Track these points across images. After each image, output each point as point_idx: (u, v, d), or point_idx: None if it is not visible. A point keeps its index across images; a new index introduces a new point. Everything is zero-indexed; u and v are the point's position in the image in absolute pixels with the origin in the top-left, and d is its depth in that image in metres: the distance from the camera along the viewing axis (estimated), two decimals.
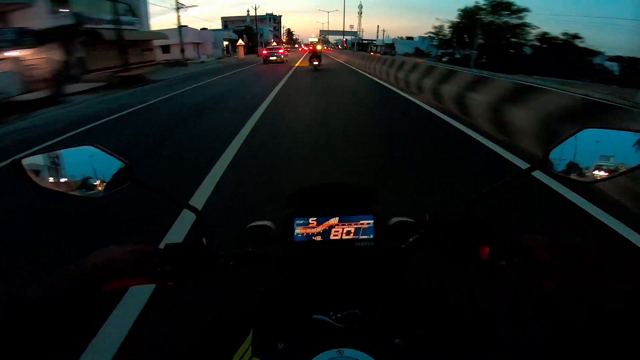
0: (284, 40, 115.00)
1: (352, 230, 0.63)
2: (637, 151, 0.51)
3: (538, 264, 0.48)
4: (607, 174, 0.51)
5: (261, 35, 53.63)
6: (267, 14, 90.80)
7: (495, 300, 1.52)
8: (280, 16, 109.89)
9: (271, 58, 22.47)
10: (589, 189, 2.34)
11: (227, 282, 1.10)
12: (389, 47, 55.35)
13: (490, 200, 0.51)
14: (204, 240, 0.59)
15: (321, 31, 68.83)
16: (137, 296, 1.68)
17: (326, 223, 0.63)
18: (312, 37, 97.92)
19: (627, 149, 0.51)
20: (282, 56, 23.05)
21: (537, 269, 0.48)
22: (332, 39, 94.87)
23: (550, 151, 0.52)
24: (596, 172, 0.51)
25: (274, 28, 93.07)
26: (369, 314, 0.56)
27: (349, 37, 77.67)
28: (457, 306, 0.62)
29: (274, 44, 58.85)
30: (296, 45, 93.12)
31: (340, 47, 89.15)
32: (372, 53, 41.22)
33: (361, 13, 73.14)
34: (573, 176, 0.51)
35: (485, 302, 1.53)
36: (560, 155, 0.52)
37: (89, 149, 0.52)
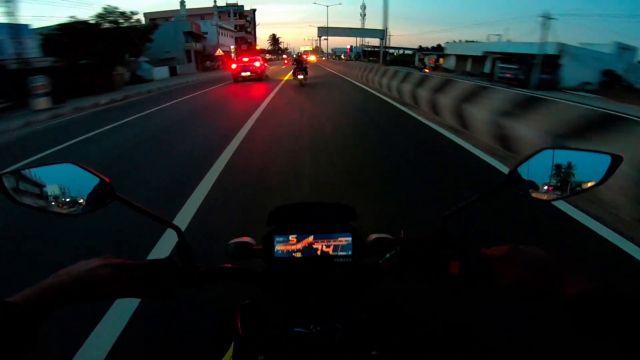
0: (262, 49, 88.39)
1: (331, 246, 0.66)
2: (594, 170, 0.55)
3: (504, 274, 0.54)
4: (566, 192, 0.57)
5: (203, 37, 40.55)
6: (227, 4, 64.29)
7: (468, 312, 1.55)
8: (253, 10, 75.42)
9: (243, 74, 18.24)
10: None
11: (208, 296, 1.12)
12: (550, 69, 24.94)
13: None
14: (185, 256, 0.62)
15: (320, 29, 48.89)
16: (120, 310, 1.80)
17: (306, 240, 0.66)
18: (304, 46, 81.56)
19: (585, 167, 0.56)
20: (260, 71, 18.58)
21: (503, 279, 0.54)
22: (326, 45, 75.59)
23: (513, 170, 0.57)
24: (556, 190, 0.57)
25: (240, 27, 65.94)
26: (348, 327, 0.59)
27: (352, 44, 64.63)
28: (431, 319, 0.65)
29: (233, 52, 46.08)
30: (284, 57, 78.39)
31: (344, 57, 71.13)
32: (426, 70, 30.26)
33: (365, 15, 57.49)
34: (534, 194, 0.57)
35: (460, 314, 1.54)
36: (522, 174, 0.57)
37: (68, 166, 0.55)
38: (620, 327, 0.41)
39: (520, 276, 0.52)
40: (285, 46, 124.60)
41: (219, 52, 38.42)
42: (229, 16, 61.60)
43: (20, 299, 0.43)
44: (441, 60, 45.34)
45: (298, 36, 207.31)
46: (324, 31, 49.76)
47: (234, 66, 18.83)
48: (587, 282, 0.46)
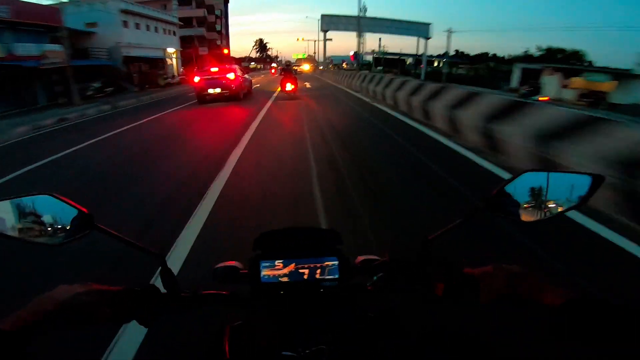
0: (247, 57, 75.27)
1: (318, 271, 0.68)
2: (574, 191, 0.58)
3: (489, 291, 0.57)
4: (547, 214, 0.60)
5: (81, 35, 23.17)
6: None
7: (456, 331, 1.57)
8: (225, 1, 59.34)
9: (211, 91, 13.55)
10: None
11: (194, 319, 1.10)
12: None
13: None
14: (169, 282, 0.63)
15: (325, 18, 36.04)
16: (105, 337, 1.78)
17: (292, 265, 0.68)
18: (297, 54, 70.46)
19: (565, 189, 0.58)
20: (236, 86, 13.83)
21: (488, 295, 0.57)
22: (323, 51, 63.02)
23: (495, 193, 0.59)
24: (537, 212, 0.65)
25: (199, 23, 48.36)
26: (335, 349, 0.58)
27: (353, 49, 51.04)
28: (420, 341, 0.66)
29: (174, 57, 33.52)
30: (272, 65, 66.50)
31: (346, 65, 60.09)
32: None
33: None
34: (516, 217, 0.59)
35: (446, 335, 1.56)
36: (505, 196, 0.60)
37: (46, 198, 0.56)
38: (605, 331, 0.46)
39: (505, 291, 0.57)
40: (275, 54, 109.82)
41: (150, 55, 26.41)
42: (176, 3, 41.56)
43: (6, 325, 0.46)
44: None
45: (291, 47, 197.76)
46: (331, 22, 34.40)
47: (197, 79, 13.92)
48: (569, 292, 0.51)
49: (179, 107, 13.05)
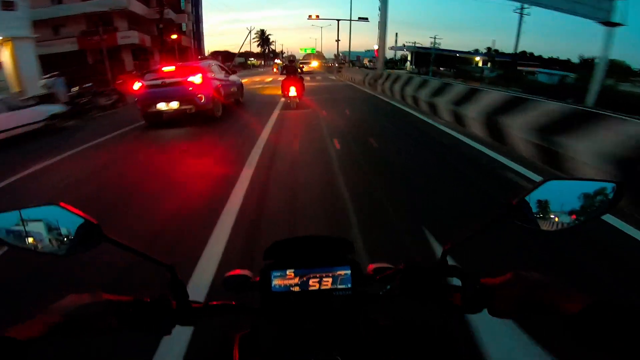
0: (222, 53, 57.56)
1: (330, 280, 0.67)
2: (596, 198, 0.57)
3: (506, 301, 0.56)
4: (569, 223, 0.58)
5: None
6: None
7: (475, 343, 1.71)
8: None
9: (160, 106, 8.39)
10: None
11: (204, 327, 1.09)
12: None
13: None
14: (179, 293, 0.63)
15: None
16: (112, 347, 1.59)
17: (304, 274, 0.67)
18: (305, 48, 52.27)
19: (588, 197, 0.57)
20: (206, 95, 8.48)
21: (505, 305, 0.56)
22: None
23: (518, 201, 0.59)
24: (558, 221, 0.58)
25: None
26: (347, 357, 0.58)
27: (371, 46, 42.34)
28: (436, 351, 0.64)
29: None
30: (276, 62, 60.22)
31: (367, 62, 47.82)
32: None
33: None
34: (539, 225, 0.58)
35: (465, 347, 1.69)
36: (527, 205, 0.59)
37: (54, 208, 0.56)
38: (628, 337, 0.43)
39: (523, 300, 0.55)
40: (280, 49, 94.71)
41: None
42: None
43: (16, 334, 0.46)
44: None
45: (298, 42, 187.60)
46: None
47: (137, 86, 8.67)
48: (590, 297, 0.49)
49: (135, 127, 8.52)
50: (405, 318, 0.65)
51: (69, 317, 0.53)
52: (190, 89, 8.21)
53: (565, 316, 0.49)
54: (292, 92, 9.82)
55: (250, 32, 58.47)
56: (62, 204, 0.56)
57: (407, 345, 0.67)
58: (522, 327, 1.69)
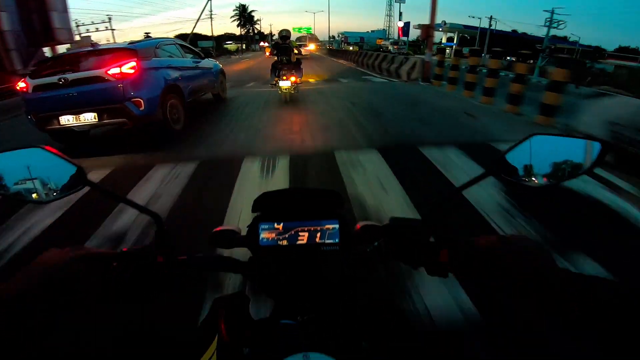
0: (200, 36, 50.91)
1: (318, 234, 0.67)
2: (583, 155, 0.57)
3: (493, 264, 0.54)
4: (555, 178, 0.58)
5: None
6: None
7: (462, 304, 1.59)
8: None
9: (65, 120, 4.60)
10: None
11: (191, 287, 1.10)
12: None
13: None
14: (165, 245, 0.61)
15: None
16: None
17: (292, 227, 0.66)
18: (299, 27, 50.86)
19: (573, 154, 0.57)
20: (145, 103, 4.59)
21: (493, 268, 0.54)
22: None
23: (502, 157, 0.59)
24: (545, 176, 0.59)
25: None
26: (336, 317, 0.58)
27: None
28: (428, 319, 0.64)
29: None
30: (264, 44, 55.03)
31: (391, 47, 39.70)
32: None
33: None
34: (523, 181, 0.59)
35: (451, 307, 1.56)
36: (512, 160, 0.59)
37: (37, 150, 0.54)
38: (611, 315, 0.43)
39: (510, 265, 0.54)
40: (270, 31, 78.00)
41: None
42: None
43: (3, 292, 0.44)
44: None
45: (292, 24, 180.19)
46: None
47: (21, 85, 4.79)
48: (576, 272, 0.49)
49: None
50: (395, 276, 0.66)
51: (48, 277, 0.46)
52: (119, 86, 4.56)
53: (553, 289, 0.47)
54: (285, 82, 7.01)
55: (208, 1, 39.98)
56: (45, 146, 0.54)
57: (401, 314, 0.67)
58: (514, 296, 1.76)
